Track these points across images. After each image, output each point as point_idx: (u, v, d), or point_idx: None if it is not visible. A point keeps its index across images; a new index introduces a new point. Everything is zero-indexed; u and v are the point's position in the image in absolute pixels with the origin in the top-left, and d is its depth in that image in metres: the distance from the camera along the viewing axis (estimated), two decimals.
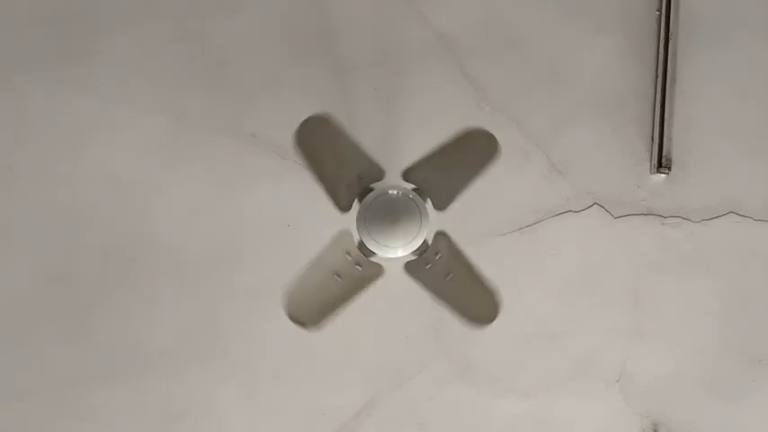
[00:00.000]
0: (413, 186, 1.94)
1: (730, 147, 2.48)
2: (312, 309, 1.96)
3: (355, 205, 1.93)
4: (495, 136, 1.92)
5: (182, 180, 2.36)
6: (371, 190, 1.92)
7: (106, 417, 2.37)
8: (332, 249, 1.95)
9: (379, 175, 1.94)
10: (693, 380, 2.45)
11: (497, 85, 2.44)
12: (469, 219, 2.35)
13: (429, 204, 1.95)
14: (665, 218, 2.47)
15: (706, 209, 2.47)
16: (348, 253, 1.94)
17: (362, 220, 1.89)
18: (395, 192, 1.91)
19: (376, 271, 1.95)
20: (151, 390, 2.37)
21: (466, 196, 2.36)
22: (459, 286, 1.97)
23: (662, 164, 2.44)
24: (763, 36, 2.52)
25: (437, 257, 1.95)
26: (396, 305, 2.33)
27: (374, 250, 1.91)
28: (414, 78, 2.42)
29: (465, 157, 1.94)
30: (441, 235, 1.96)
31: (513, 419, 2.43)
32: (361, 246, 1.92)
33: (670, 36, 2.46)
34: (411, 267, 1.95)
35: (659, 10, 2.49)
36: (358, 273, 1.94)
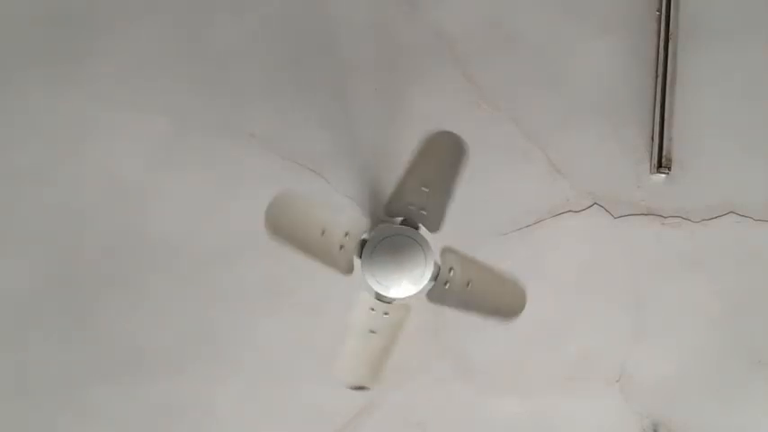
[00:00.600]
0: (400, 219, 1.95)
1: (730, 147, 2.48)
2: (366, 371, 2.02)
3: (356, 261, 1.95)
4: (455, 133, 1.91)
5: (181, 180, 2.36)
6: (365, 241, 1.93)
7: (106, 416, 2.37)
8: (356, 313, 1.98)
9: (364, 224, 1.95)
10: (693, 380, 2.45)
11: (497, 85, 2.44)
12: (469, 219, 2.35)
13: (423, 230, 1.95)
14: (665, 218, 2.47)
15: (706, 209, 2.47)
16: (372, 308, 1.97)
17: (370, 275, 1.90)
18: (385, 232, 1.91)
19: (404, 311, 1.98)
20: (151, 390, 2.37)
21: (466, 197, 2.36)
22: (481, 290, 1.99)
23: (662, 164, 2.44)
24: (763, 36, 2.51)
25: (451, 274, 1.96)
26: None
27: (392, 296, 1.93)
28: (414, 79, 2.42)
29: (435, 168, 1.93)
30: (447, 251, 1.97)
31: (512, 419, 2.43)
32: (380, 296, 1.94)
33: (670, 36, 2.46)
34: (433, 295, 1.96)
35: (659, 10, 2.49)
36: (388, 320, 1.97)
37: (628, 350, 2.45)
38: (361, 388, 2.04)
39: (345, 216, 1.96)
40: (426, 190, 1.94)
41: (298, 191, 1.93)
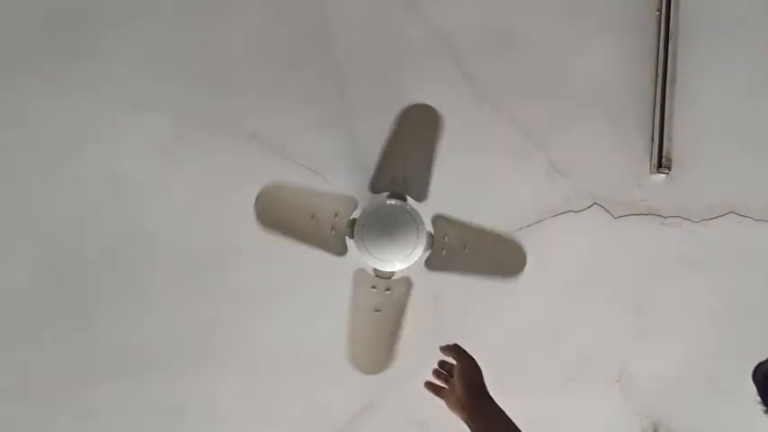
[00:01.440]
0: (386, 193, 1.95)
1: (730, 147, 2.48)
2: (377, 353, 1.99)
3: (349, 242, 1.94)
4: (427, 104, 1.92)
5: (182, 180, 2.36)
6: (354, 221, 1.92)
7: (106, 416, 2.37)
8: (358, 292, 1.97)
9: (352, 203, 1.95)
10: (693, 380, 2.45)
11: (497, 85, 2.44)
12: (469, 219, 2.35)
13: (411, 201, 1.96)
14: (665, 218, 2.47)
15: (706, 209, 2.47)
16: (373, 286, 1.96)
17: (364, 251, 1.90)
18: (373, 207, 1.91)
19: (406, 285, 1.97)
20: (151, 389, 2.37)
21: (466, 197, 2.37)
22: (479, 251, 1.99)
23: (662, 164, 2.44)
24: (763, 36, 2.52)
25: (446, 240, 1.95)
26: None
27: (391, 270, 1.92)
28: (414, 78, 2.42)
29: (413, 140, 1.94)
30: (437, 218, 1.97)
31: (512, 419, 2.42)
32: (378, 273, 1.93)
33: (670, 36, 2.46)
34: (431, 263, 1.95)
35: (659, 10, 2.49)
36: (392, 296, 1.96)
37: (628, 350, 2.45)
38: (376, 372, 2.00)
39: (333, 198, 1.95)
40: (407, 161, 1.95)
41: (282, 180, 1.93)
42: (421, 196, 1.96)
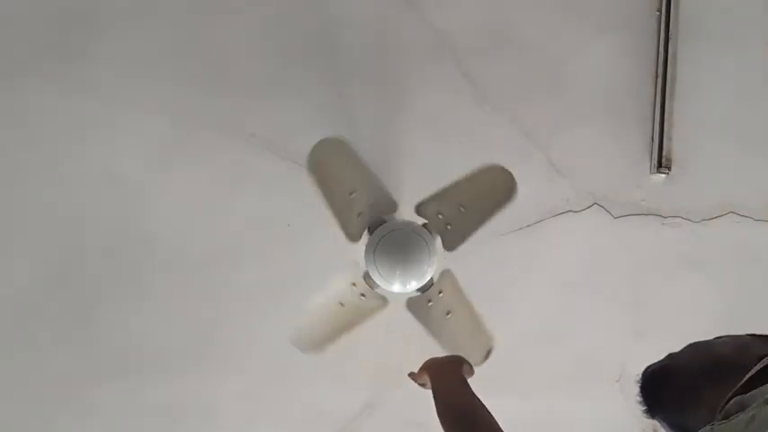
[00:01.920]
0: (423, 222, 1.93)
1: (730, 147, 2.48)
2: (312, 335, 1.98)
3: (365, 235, 1.93)
4: (513, 174, 1.90)
5: (181, 180, 2.36)
6: (383, 221, 1.91)
7: (106, 416, 2.37)
8: (338, 278, 1.96)
9: (391, 206, 1.93)
10: None
11: (497, 85, 2.44)
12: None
13: (438, 242, 1.94)
14: (665, 218, 2.47)
15: (706, 209, 2.47)
16: (353, 283, 1.95)
17: (371, 253, 1.89)
18: (406, 223, 1.90)
19: (379, 303, 1.96)
20: (151, 390, 2.37)
21: None
22: (456, 326, 1.99)
23: (662, 164, 2.44)
24: (763, 36, 2.52)
25: (439, 296, 1.96)
26: (395, 305, 2.33)
27: (379, 283, 1.91)
28: (414, 79, 2.41)
29: (481, 196, 1.92)
30: (446, 273, 1.96)
31: (512, 419, 2.42)
32: (367, 277, 1.93)
33: (670, 36, 2.46)
34: (413, 304, 1.96)
35: (659, 10, 2.49)
36: (361, 303, 1.95)
37: (628, 350, 2.45)
38: (300, 349, 1.99)
39: (379, 190, 1.92)
40: (462, 210, 1.92)
41: (350, 145, 1.89)
42: (451, 247, 1.94)
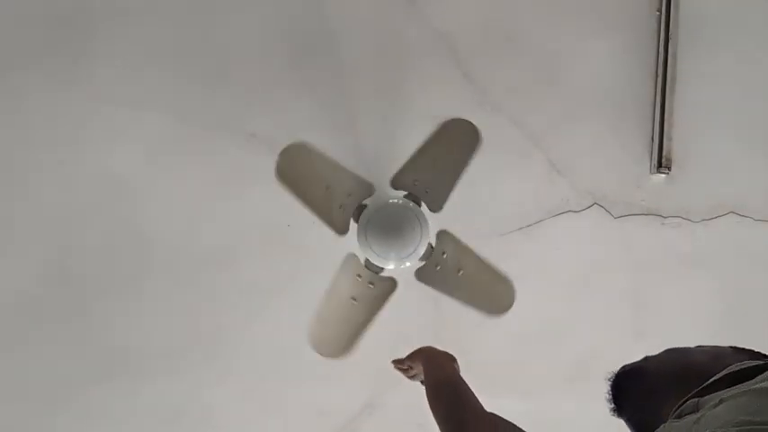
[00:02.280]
0: (404, 193, 1.94)
1: (730, 147, 2.48)
2: (338, 339, 1.97)
3: (352, 225, 1.93)
4: (473, 122, 1.91)
5: (181, 180, 2.36)
6: (365, 206, 1.91)
7: (106, 416, 2.37)
8: (342, 275, 1.96)
9: (368, 189, 1.93)
10: None
11: (497, 85, 2.44)
12: (469, 219, 2.35)
13: (424, 207, 1.94)
14: (665, 218, 2.47)
15: (706, 209, 2.47)
16: (358, 275, 1.95)
17: (363, 239, 1.89)
18: (387, 201, 1.91)
19: (389, 285, 1.96)
20: (151, 390, 2.37)
21: (465, 196, 2.36)
22: (472, 279, 1.98)
23: (662, 164, 2.44)
24: (763, 36, 2.51)
25: (444, 257, 1.95)
26: (395, 305, 2.33)
27: (381, 266, 1.91)
28: (414, 78, 2.41)
29: (448, 151, 1.93)
30: (443, 234, 1.96)
31: (512, 419, 2.42)
32: (369, 264, 1.92)
33: (670, 36, 2.46)
34: (422, 274, 1.95)
35: (659, 10, 2.49)
36: (372, 291, 1.95)
37: (628, 350, 2.44)
38: (330, 357, 1.98)
39: (352, 177, 1.93)
40: (435, 170, 1.94)
41: (313, 143, 1.90)
42: (436, 207, 1.95)
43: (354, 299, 1.95)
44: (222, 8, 2.40)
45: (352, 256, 1.96)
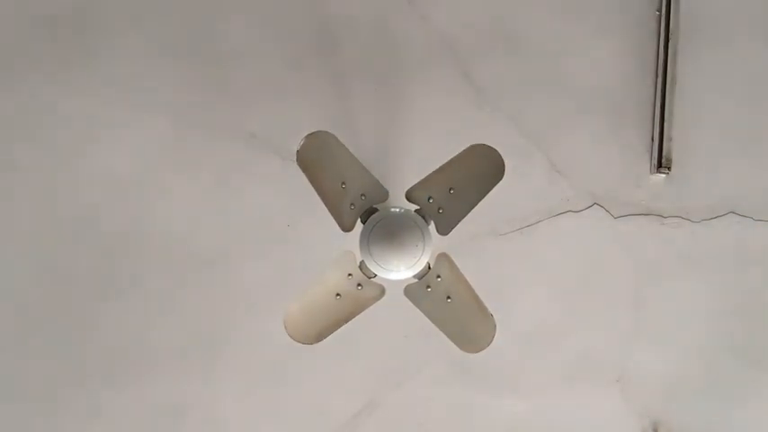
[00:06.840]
0: (416, 207, 1.94)
1: (730, 147, 2.48)
2: (310, 327, 1.97)
3: (358, 225, 1.93)
4: (500, 153, 1.90)
5: (182, 180, 2.36)
6: (375, 210, 1.92)
7: (106, 416, 2.37)
8: (334, 268, 1.96)
9: (382, 194, 1.93)
10: (693, 380, 2.45)
11: (497, 85, 2.44)
12: (469, 219, 2.35)
13: (432, 226, 1.94)
14: (665, 218, 2.47)
15: (706, 209, 2.47)
16: (350, 273, 1.95)
17: (365, 241, 1.89)
18: (398, 210, 1.91)
19: (377, 292, 1.96)
20: (151, 390, 2.37)
21: None
22: (457, 311, 1.98)
23: (662, 164, 2.44)
24: (763, 36, 2.51)
25: (438, 280, 1.95)
26: (395, 305, 2.33)
27: (375, 272, 1.91)
28: (414, 79, 2.41)
29: (469, 177, 1.92)
30: (442, 257, 1.96)
31: (512, 419, 2.43)
32: (363, 266, 1.93)
33: (670, 36, 2.46)
34: (411, 291, 1.95)
35: (659, 10, 2.49)
36: (358, 293, 1.95)
37: (628, 350, 2.45)
38: (298, 341, 1.98)
39: (369, 179, 1.93)
40: (452, 192, 1.93)
41: (337, 138, 1.91)
42: (444, 230, 1.95)
43: (339, 295, 1.96)
44: (222, 8, 2.40)
45: (349, 254, 1.96)
